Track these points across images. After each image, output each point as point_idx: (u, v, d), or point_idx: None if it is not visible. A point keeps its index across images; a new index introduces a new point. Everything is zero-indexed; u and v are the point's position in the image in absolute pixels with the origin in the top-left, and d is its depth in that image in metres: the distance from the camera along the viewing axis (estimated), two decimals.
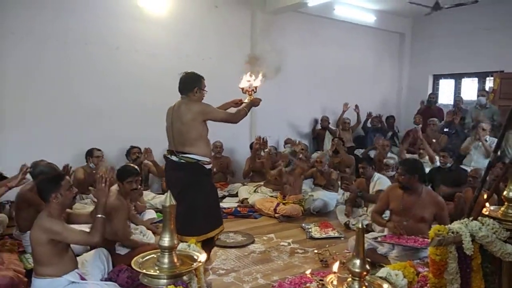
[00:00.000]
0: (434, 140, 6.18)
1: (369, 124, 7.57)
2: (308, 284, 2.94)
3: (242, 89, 3.37)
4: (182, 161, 3.06)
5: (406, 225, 3.38)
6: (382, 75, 8.41)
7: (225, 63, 6.03)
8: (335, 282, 1.66)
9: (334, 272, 1.71)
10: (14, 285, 2.73)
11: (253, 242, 4.04)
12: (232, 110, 3.46)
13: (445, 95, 8.38)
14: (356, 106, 7.40)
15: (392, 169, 4.95)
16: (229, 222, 4.76)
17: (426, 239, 3.08)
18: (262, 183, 5.71)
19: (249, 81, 3.33)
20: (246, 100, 3.37)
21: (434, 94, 7.89)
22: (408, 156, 5.74)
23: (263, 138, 5.59)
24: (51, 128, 4.91)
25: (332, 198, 5.22)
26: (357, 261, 1.62)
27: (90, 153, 4.85)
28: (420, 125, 6.96)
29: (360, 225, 1.61)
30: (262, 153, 5.88)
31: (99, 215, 2.63)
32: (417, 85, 8.43)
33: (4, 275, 2.71)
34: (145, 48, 5.54)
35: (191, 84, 3.12)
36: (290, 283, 3.10)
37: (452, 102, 7.83)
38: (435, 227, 2.13)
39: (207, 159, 3.19)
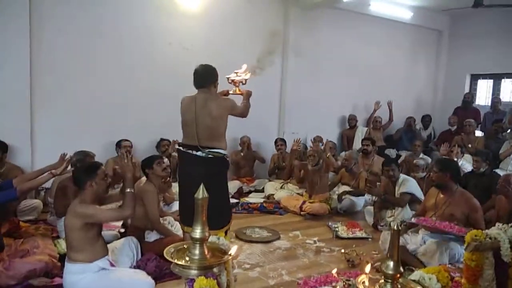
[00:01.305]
0: (469, 145, 5.96)
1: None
2: (334, 284, 2.91)
3: (229, 79, 3.26)
4: (210, 156, 2.97)
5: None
6: (417, 74, 8.15)
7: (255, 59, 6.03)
8: (366, 283, 1.63)
9: (366, 273, 1.67)
10: (48, 269, 2.86)
11: (278, 238, 4.03)
12: None
13: (483, 96, 8.05)
14: (390, 103, 7.22)
15: (423, 170, 4.82)
16: (255, 217, 4.78)
17: (463, 228, 3.07)
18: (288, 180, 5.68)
19: (237, 72, 3.24)
20: (231, 92, 3.29)
21: (470, 94, 7.60)
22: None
23: (298, 140, 5.51)
24: (83, 118, 5.02)
25: (360, 198, 5.12)
26: (391, 263, 1.58)
27: (119, 144, 4.95)
28: (455, 127, 6.74)
29: (395, 227, 1.57)
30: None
31: (128, 190, 2.73)
32: (454, 85, 8.12)
33: (39, 259, 2.83)
34: (178, 42, 5.58)
35: (212, 77, 3.08)
36: (316, 281, 3.07)
37: (489, 104, 7.52)
38: (472, 232, 2.06)
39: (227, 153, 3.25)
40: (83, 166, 2.86)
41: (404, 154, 6.57)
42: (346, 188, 5.25)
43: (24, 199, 4.19)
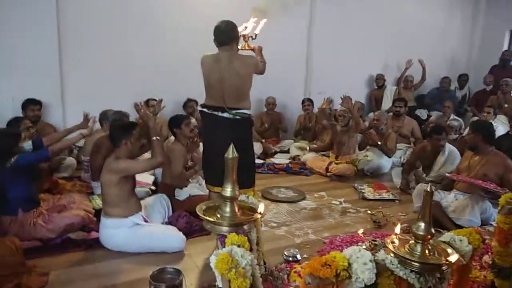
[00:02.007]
0: (506, 105, 5.70)
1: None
2: (360, 243, 2.93)
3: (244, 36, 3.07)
4: (237, 117, 2.85)
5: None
6: (452, 30, 7.70)
7: (281, 19, 5.82)
8: (396, 242, 1.63)
9: (396, 234, 1.67)
10: (85, 223, 3.01)
11: (304, 199, 4.07)
12: None
13: None
14: (422, 61, 6.92)
15: (456, 131, 4.67)
16: (281, 177, 4.82)
17: (499, 187, 3.12)
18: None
19: (246, 27, 3.04)
20: (240, 47, 3.03)
21: (509, 52, 7.16)
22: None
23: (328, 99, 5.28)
24: (112, 78, 5.07)
25: (388, 159, 5.05)
26: (422, 224, 1.58)
27: (146, 103, 4.97)
28: (491, 86, 6.42)
29: (428, 188, 1.54)
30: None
31: (154, 138, 2.80)
32: (491, 42, 7.64)
33: (76, 214, 2.98)
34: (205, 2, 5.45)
35: (234, 34, 2.89)
36: (342, 240, 3.12)
37: None
38: (507, 194, 2.01)
39: None
40: (120, 125, 2.94)
41: (434, 115, 6.37)
42: (374, 149, 5.13)
43: (58, 156, 4.37)
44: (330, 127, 5.14)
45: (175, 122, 3.66)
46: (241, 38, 2.99)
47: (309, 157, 5.24)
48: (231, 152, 1.75)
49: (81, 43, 4.88)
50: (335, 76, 6.55)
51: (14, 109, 4.43)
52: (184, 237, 2.89)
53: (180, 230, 2.98)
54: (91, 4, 4.85)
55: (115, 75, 5.10)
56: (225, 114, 2.83)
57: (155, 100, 5.00)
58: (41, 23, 4.59)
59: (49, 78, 4.73)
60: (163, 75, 5.34)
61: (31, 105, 4.35)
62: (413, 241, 1.61)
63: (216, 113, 2.85)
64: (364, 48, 6.79)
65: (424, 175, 4.28)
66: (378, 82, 6.97)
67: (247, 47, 3.04)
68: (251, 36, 3.02)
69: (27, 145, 3.06)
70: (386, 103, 6.76)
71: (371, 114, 6.43)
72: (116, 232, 2.79)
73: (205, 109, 2.91)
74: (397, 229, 1.71)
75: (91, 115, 3.64)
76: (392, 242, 1.64)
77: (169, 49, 5.35)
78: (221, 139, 2.77)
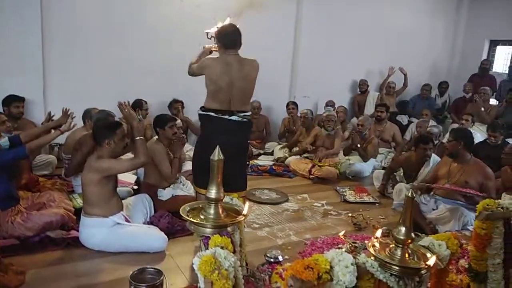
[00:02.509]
0: (482, 109, 5.87)
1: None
2: (340, 245, 2.98)
3: (209, 34, 3.03)
4: (244, 120, 2.85)
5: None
6: (435, 39, 7.88)
7: (266, 21, 5.87)
8: (377, 246, 1.66)
9: (377, 238, 1.71)
10: (64, 221, 2.95)
11: (287, 201, 4.10)
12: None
13: (501, 63, 7.82)
14: (402, 69, 7.06)
15: (436, 137, 4.77)
16: (264, 179, 4.83)
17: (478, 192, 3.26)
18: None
19: (217, 27, 2.97)
20: (213, 48, 3.03)
21: (488, 61, 7.38)
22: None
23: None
24: (95, 78, 5.00)
25: (369, 163, 5.14)
26: (403, 229, 1.61)
27: (139, 105, 4.86)
28: (470, 94, 6.61)
29: (410, 194, 1.58)
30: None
31: (138, 138, 2.78)
32: (472, 50, 7.87)
33: (56, 212, 2.92)
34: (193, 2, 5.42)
35: (241, 37, 2.87)
36: (323, 242, 3.16)
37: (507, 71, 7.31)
38: (484, 201, 2.06)
39: None
40: (104, 124, 2.90)
41: (415, 121, 6.51)
42: (356, 154, 5.23)
43: (39, 154, 4.27)
44: (314, 132, 5.18)
45: (159, 122, 3.63)
46: (212, 39, 2.98)
47: (292, 160, 5.27)
48: (217, 154, 1.74)
49: (65, 41, 4.80)
50: (319, 81, 6.62)
51: None
52: (165, 237, 2.87)
53: (162, 230, 2.97)
54: (76, 1, 4.77)
55: (100, 74, 5.03)
56: (234, 117, 2.80)
57: (144, 101, 4.97)
58: (25, 19, 4.48)
59: (32, 74, 4.62)
60: (149, 75, 5.30)
61: (15, 101, 4.23)
62: (393, 245, 1.65)
63: (224, 116, 2.80)
64: (349, 54, 6.88)
65: (404, 181, 4.36)
66: (362, 88, 7.08)
67: (210, 48, 3.05)
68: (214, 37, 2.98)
69: (4, 141, 2.97)
70: (369, 108, 6.86)
71: (354, 119, 6.53)
72: (96, 231, 2.76)
73: (211, 113, 2.81)
74: (378, 233, 1.75)
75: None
76: (373, 246, 1.67)
77: (155, 48, 5.29)
78: (227, 142, 2.69)
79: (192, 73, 3.00)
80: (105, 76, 5.05)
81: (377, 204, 4.18)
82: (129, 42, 5.14)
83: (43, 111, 4.71)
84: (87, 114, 3.95)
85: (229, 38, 2.82)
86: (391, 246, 1.67)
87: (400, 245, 1.62)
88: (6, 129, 3.46)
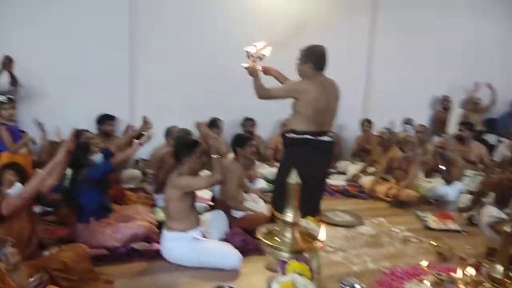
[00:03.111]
0: None
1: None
2: (423, 276, 2.78)
3: (248, 53, 2.96)
4: (333, 139, 2.93)
5: None
6: None
7: (343, 28, 5.83)
8: (470, 283, 1.53)
9: (470, 274, 1.57)
10: (148, 234, 3.15)
11: (362, 224, 3.95)
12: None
13: None
14: (489, 85, 6.49)
15: None
16: (337, 200, 4.72)
17: None
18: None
19: (256, 46, 2.95)
20: (247, 65, 2.98)
21: None
22: None
23: None
24: (176, 95, 5.28)
25: (454, 187, 4.75)
26: (499, 267, 1.47)
27: (215, 124, 5.08)
28: None
29: (509, 229, 1.44)
30: None
31: (214, 156, 2.87)
32: None
33: (141, 225, 3.13)
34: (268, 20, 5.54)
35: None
36: (403, 272, 2.96)
37: None
38: None
39: None
40: (183, 143, 3.07)
41: (505, 141, 5.92)
42: (439, 176, 4.90)
43: (126, 169, 4.64)
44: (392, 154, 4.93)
45: (239, 142, 3.73)
46: (252, 58, 2.95)
47: (367, 180, 5.08)
48: (294, 177, 1.75)
49: (150, 58, 5.15)
50: (396, 96, 6.33)
51: (87, 121, 4.78)
52: (240, 255, 2.92)
53: (236, 247, 3.01)
54: (161, 19, 5.13)
55: (179, 92, 5.31)
56: (326, 138, 2.85)
57: (219, 119, 5.17)
58: (114, 39, 4.92)
59: (120, 92, 5.04)
60: (225, 93, 5.46)
61: (108, 120, 4.65)
62: (488, 285, 1.50)
63: (319, 138, 2.83)
64: (428, 68, 6.52)
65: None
66: (444, 104, 6.64)
67: (254, 67, 2.96)
68: (259, 57, 2.96)
69: (98, 158, 3.26)
70: (452, 126, 6.40)
71: (435, 138, 6.13)
72: (176, 245, 2.89)
73: (307, 136, 2.82)
74: (471, 271, 1.60)
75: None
76: (466, 283, 1.53)
77: (231, 67, 5.48)
78: (321, 163, 2.86)
79: (269, 97, 2.96)
80: (184, 94, 5.31)
81: (463, 233, 3.84)
82: (207, 59, 5.33)
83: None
84: (168, 133, 4.22)
85: (323, 59, 2.84)
86: (485, 284, 1.52)
87: (497, 285, 1.47)
88: (95, 145, 3.80)
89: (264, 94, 2.96)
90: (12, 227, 2.41)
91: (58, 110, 4.69)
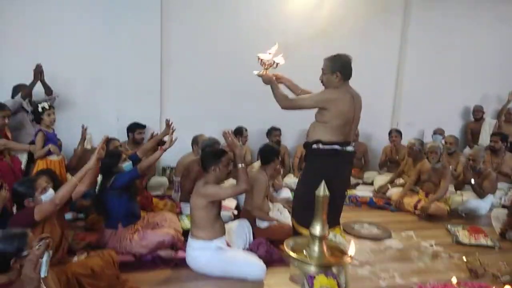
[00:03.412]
0: None
1: None
2: None
3: (261, 60, 2.90)
4: (354, 149, 2.94)
5: None
6: None
7: (370, 46, 5.76)
8: None
9: None
10: (174, 242, 3.17)
11: (389, 237, 3.85)
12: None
13: None
14: None
15: None
16: (364, 212, 4.63)
17: None
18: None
19: (271, 53, 2.88)
20: (257, 73, 2.97)
21: None
22: None
23: None
24: (203, 105, 5.36)
25: (487, 200, 4.57)
26: None
27: (239, 132, 5.12)
28: None
29: None
30: None
31: (240, 165, 2.84)
32: None
33: (167, 232, 3.16)
34: (293, 31, 5.54)
35: None
36: None
37: None
38: None
39: None
40: (210, 151, 3.09)
41: None
42: (470, 189, 4.72)
43: (154, 175, 4.72)
44: (420, 166, 4.80)
45: (271, 153, 3.71)
46: (264, 65, 2.90)
47: (395, 192, 4.96)
48: (322, 190, 1.73)
49: (178, 69, 5.26)
50: (426, 106, 6.21)
51: (118, 129, 4.90)
52: (264, 266, 2.88)
53: (260, 258, 2.99)
54: (189, 38, 5.24)
55: (206, 101, 5.38)
56: (350, 148, 2.83)
57: (244, 128, 5.19)
58: (147, 51, 5.03)
59: (150, 101, 5.15)
60: (250, 102, 5.48)
61: (139, 128, 4.74)
62: None
63: (345, 148, 2.81)
64: (459, 77, 6.36)
65: None
66: (477, 115, 6.44)
67: (269, 76, 2.92)
68: (271, 64, 2.89)
69: (127, 165, 3.32)
70: (484, 137, 6.18)
71: (467, 149, 5.94)
72: (201, 254, 2.90)
73: (336, 146, 2.78)
74: None
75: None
76: None
77: (256, 78, 5.51)
78: (348, 173, 2.86)
79: (295, 107, 2.92)
80: (210, 104, 5.39)
81: (496, 248, 3.69)
82: (233, 69, 5.32)
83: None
84: (195, 141, 4.26)
85: (350, 68, 2.82)
86: None
87: None
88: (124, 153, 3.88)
89: (288, 104, 2.90)
90: (43, 232, 2.47)
91: (90, 118, 4.82)
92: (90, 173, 2.76)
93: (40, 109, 3.67)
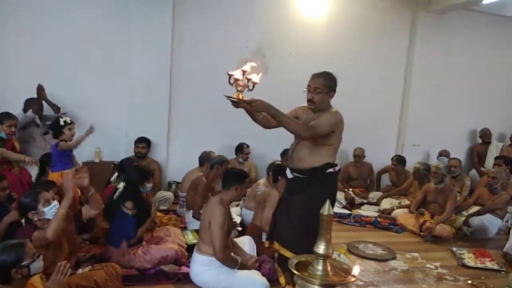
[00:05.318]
0: None
1: None
2: None
3: (231, 76, 2.38)
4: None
5: None
6: None
7: (376, 66, 5.83)
8: None
9: None
10: (177, 257, 3.18)
11: (394, 258, 3.82)
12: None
13: None
14: None
15: None
16: (368, 232, 4.60)
17: None
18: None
19: (245, 71, 2.39)
20: (234, 95, 2.37)
21: None
22: None
23: None
24: (209, 121, 5.39)
25: (494, 223, 4.53)
26: None
27: (240, 149, 5.17)
28: None
29: None
30: None
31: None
32: None
33: (171, 247, 3.17)
34: (298, 50, 5.62)
35: None
36: None
37: None
38: None
39: None
40: (236, 171, 3.14)
41: None
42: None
43: (159, 191, 4.74)
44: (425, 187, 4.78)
45: (282, 171, 3.71)
46: (235, 85, 2.38)
47: (400, 213, 4.93)
48: (326, 208, 1.74)
49: (187, 86, 5.31)
50: (432, 128, 6.23)
51: (126, 143, 4.96)
52: (268, 284, 2.88)
53: (263, 275, 2.98)
54: (198, 49, 5.30)
55: (214, 118, 5.38)
56: (338, 167, 2.71)
57: (246, 144, 5.22)
58: (157, 68, 5.10)
59: (159, 119, 5.18)
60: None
61: (138, 142, 4.77)
62: None
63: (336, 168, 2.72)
64: (466, 100, 6.42)
65: None
66: (484, 137, 6.42)
67: (240, 97, 2.36)
68: (248, 86, 2.39)
69: (148, 187, 3.37)
70: (491, 160, 6.15)
71: (473, 172, 5.92)
72: (205, 269, 2.89)
73: (337, 168, 2.70)
74: None
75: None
76: None
77: (262, 95, 5.57)
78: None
79: (317, 135, 2.57)
80: (218, 121, 5.37)
81: (502, 272, 3.64)
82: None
83: (165, 151, 5.26)
84: (207, 158, 4.28)
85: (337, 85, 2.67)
86: None
87: None
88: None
89: (312, 134, 2.56)
90: (49, 248, 2.48)
91: (98, 133, 4.85)
92: (98, 197, 2.81)
93: (62, 123, 3.55)
